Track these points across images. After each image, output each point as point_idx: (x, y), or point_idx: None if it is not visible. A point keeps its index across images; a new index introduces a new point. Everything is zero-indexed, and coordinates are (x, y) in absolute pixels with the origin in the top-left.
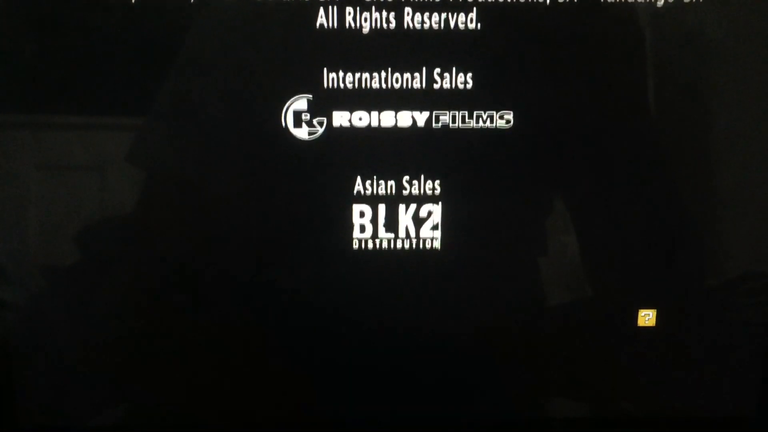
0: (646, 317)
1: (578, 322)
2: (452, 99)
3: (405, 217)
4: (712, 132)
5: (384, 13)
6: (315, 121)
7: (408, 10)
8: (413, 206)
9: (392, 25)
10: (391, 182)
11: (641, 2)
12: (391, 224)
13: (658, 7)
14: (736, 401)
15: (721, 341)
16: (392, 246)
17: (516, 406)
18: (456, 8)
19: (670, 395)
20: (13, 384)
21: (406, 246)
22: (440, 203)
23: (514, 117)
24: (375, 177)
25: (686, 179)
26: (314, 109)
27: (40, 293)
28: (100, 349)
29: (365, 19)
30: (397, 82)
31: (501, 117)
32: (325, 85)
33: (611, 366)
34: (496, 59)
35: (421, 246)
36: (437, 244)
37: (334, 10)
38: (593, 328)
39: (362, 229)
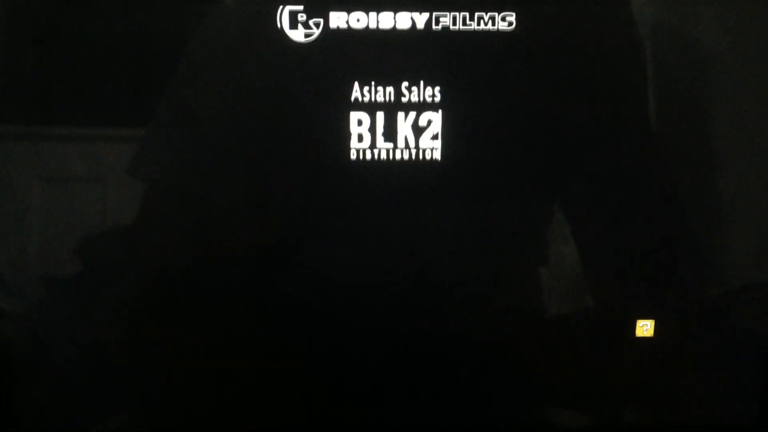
0: (645, 327)
1: (576, 332)
2: None
3: (404, 125)
4: (712, 141)
5: None
6: (311, 23)
7: None
8: (413, 114)
9: None
10: (390, 88)
11: None
12: (390, 133)
13: None
14: (736, 411)
15: (720, 352)
16: (391, 156)
17: (513, 415)
18: None
19: (668, 405)
20: (14, 393)
21: (405, 156)
22: (440, 111)
23: (516, 19)
24: (373, 83)
25: (686, 188)
26: (310, 9)
27: (41, 304)
28: (101, 359)
29: None
30: None
31: (503, 19)
32: None
33: (609, 376)
34: None
35: (420, 156)
36: (437, 155)
37: None
38: (591, 338)
39: (360, 138)
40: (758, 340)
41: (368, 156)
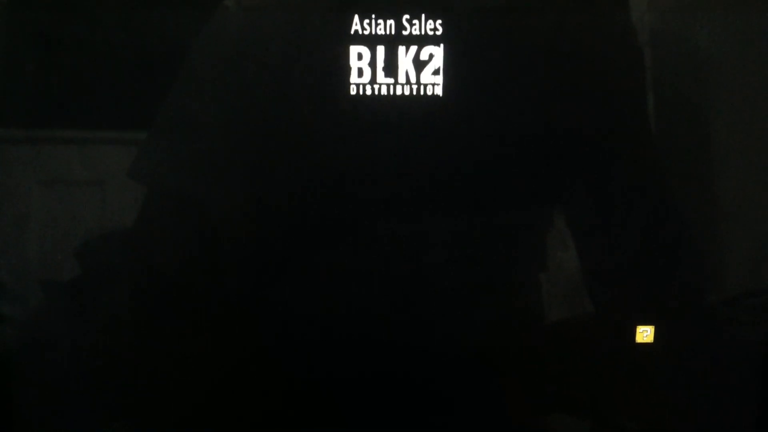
0: (645, 334)
1: (576, 338)
2: None
3: (405, 59)
4: (711, 147)
5: None
6: None
7: None
8: (414, 48)
9: None
10: (391, 21)
11: None
12: (391, 68)
13: None
14: (735, 419)
15: (720, 358)
16: (392, 92)
17: (512, 422)
18: None
19: (668, 412)
20: (13, 398)
21: (407, 92)
22: (442, 45)
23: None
24: (373, 15)
25: (686, 194)
26: None
27: (40, 308)
28: (101, 364)
29: None
30: None
31: None
32: None
33: (609, 382)
34: None
35: (422, 92)
36: (439, 90)
37: None
38: (591, 344)
39: (360, 73)
40: (757, 348)
41: (368, 91)
